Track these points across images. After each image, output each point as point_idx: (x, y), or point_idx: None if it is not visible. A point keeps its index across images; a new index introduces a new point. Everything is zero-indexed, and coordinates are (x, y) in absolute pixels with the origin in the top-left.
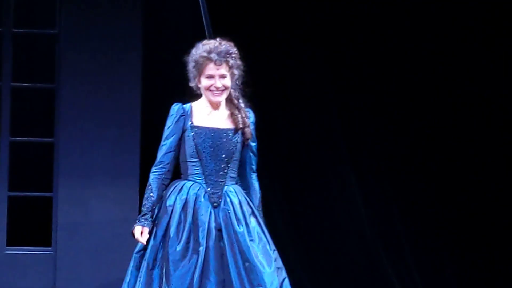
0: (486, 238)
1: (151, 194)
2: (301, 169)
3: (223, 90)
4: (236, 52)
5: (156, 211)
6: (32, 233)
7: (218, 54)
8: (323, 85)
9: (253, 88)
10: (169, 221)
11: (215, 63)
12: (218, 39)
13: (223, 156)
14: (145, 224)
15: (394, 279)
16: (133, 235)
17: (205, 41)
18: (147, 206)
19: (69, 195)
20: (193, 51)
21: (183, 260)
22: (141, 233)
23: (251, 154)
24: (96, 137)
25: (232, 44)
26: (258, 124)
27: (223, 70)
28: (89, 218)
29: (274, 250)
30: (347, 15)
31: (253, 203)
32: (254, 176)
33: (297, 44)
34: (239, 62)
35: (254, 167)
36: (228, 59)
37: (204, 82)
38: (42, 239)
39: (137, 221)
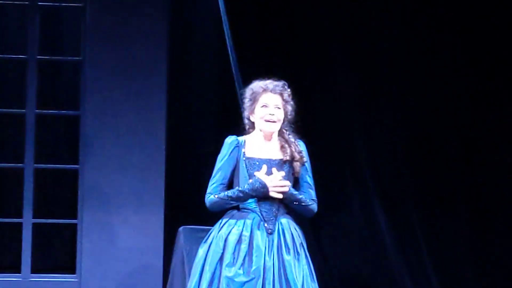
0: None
1: (226, 196)
2: (325, 191)
3: (276, 121)
4: (290, 91)
5: (208, 237)
6: (57, 260)
7: (274, 85)
8: (347, 104)
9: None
10: (223, 250)
11: (271, 92)
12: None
13: (282, 172)
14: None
15: None
16: (264, 189)
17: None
18: (235, 191)
19: (93, 222)
20: (251, 85)
21: (238, 282)
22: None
23: (305, 183)
24: (121, 164)
25: (286, 84)
26: None
27: (278, 101)
28: (114, 245)
29: (315, 282)
30: (374, 40)
31: (304, 239)
32: (313, 201)
33: (321, 65)
34: (291, 100)
35: (312, 194)
36: (283, 92)
37: (259, 112)
38: (66, 266)
39: (249, 187)
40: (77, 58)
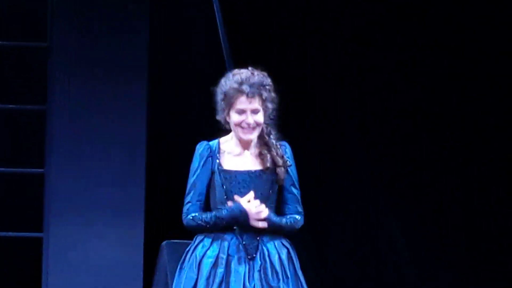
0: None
1: (203, 221)
2: (322, 190)
3: (254, 128)
4: (270, 83)
5: (183, 261)
6: (20, 279)
7: (251, 86)
8: (343, 99)
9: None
10: (197, 276)
11: (247, 96)
12: (250, 68)
13: (257, 200)
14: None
15: None
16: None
17: (235, 71)
18: (212, 217)
19: (63, 236)
20: (222, 81)
21: None
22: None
23: (289, 194)
24: (95, 168)
25: (266, 74)
26: None
27: (256, 104)
28: (87, 263)
29: None
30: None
31: (295, 256)
32: (298, 217)
33: (316, 68)
34: (273, 94)
35: (297, 207)
36: (261, 91)
37: (235, 118)
38: (31, 286)
39: (227, 214)
40: (43, 44)
